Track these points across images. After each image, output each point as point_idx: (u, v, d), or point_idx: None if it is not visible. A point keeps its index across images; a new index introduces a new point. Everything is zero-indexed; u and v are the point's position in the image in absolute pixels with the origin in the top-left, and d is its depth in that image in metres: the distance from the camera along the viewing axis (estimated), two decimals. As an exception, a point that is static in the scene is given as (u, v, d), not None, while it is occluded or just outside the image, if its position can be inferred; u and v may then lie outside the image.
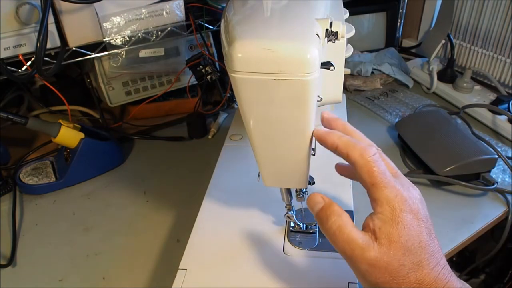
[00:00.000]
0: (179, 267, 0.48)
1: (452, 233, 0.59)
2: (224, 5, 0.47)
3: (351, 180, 0.62)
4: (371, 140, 0.39)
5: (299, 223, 0.52)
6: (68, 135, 0.68)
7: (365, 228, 0.35)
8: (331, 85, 0.48)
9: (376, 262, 0.33)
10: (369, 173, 0.35)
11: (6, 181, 0.71)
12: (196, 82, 0.87)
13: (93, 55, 0.72)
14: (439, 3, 1.03)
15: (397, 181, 0.36)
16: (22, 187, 0.70)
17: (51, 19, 0.62)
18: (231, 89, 0.88)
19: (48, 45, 0.62)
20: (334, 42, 0.35)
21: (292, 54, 0.30)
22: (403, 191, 0.35)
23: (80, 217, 0.65)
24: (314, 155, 0.41)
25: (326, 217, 0.36)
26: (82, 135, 0.69)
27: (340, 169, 0.44)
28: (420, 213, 0.35)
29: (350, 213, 0.55)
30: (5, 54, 0.61)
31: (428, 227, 0.35)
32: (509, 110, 0.80)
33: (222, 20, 0.37)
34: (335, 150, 0.37)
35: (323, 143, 0.37)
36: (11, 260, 0.58)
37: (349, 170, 0.43)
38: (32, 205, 0.68)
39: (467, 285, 0.35)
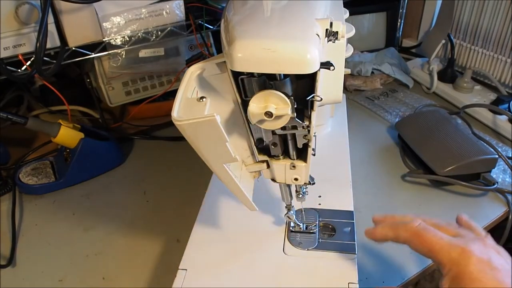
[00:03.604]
0: (179, 267, 0.48)
1: (452, 233, 0.59)
2: (224, 5, 0.47)
3: (351, 180, 0.62)
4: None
5: (299, 223, 0.52)
6: (68, 135, 0.68)
7: None
8: (331, 85, 0.48)
9: None
10: (421, 243, 0.37)
11: (6, 181, 0.71)
12: (196, 82, 0.87)
13: (93, 55, 0.72)
14: (439, 3, 1.03)
15: (458, 239, 0.37)
16: (22, 187, 0.70)
17: (50, 19, 0.62)
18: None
19: (48, 45, 0.62)
20: (334, 42, 0.35)
21: (292, 54, 0.29)
22: (467, 245, 0.35)
23: (80, 217, 0.65)
24: (314, 155, 0.41)
25: None
26: (82, 135, 0.69)
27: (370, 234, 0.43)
28: (493, 262, 0.34)
29: (350, 213, 0.55)
30: (5, 54, 0.61)
31: (504, 273, 0.34)
32: (509, 110, 0.80)
33: (222, 20, 0.37)
34: (387, 239, 0.39)
35: (375, 239, 0.40)
36: (11, 260, 0.58)
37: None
38: (31, 205, 0.68)
39: None
